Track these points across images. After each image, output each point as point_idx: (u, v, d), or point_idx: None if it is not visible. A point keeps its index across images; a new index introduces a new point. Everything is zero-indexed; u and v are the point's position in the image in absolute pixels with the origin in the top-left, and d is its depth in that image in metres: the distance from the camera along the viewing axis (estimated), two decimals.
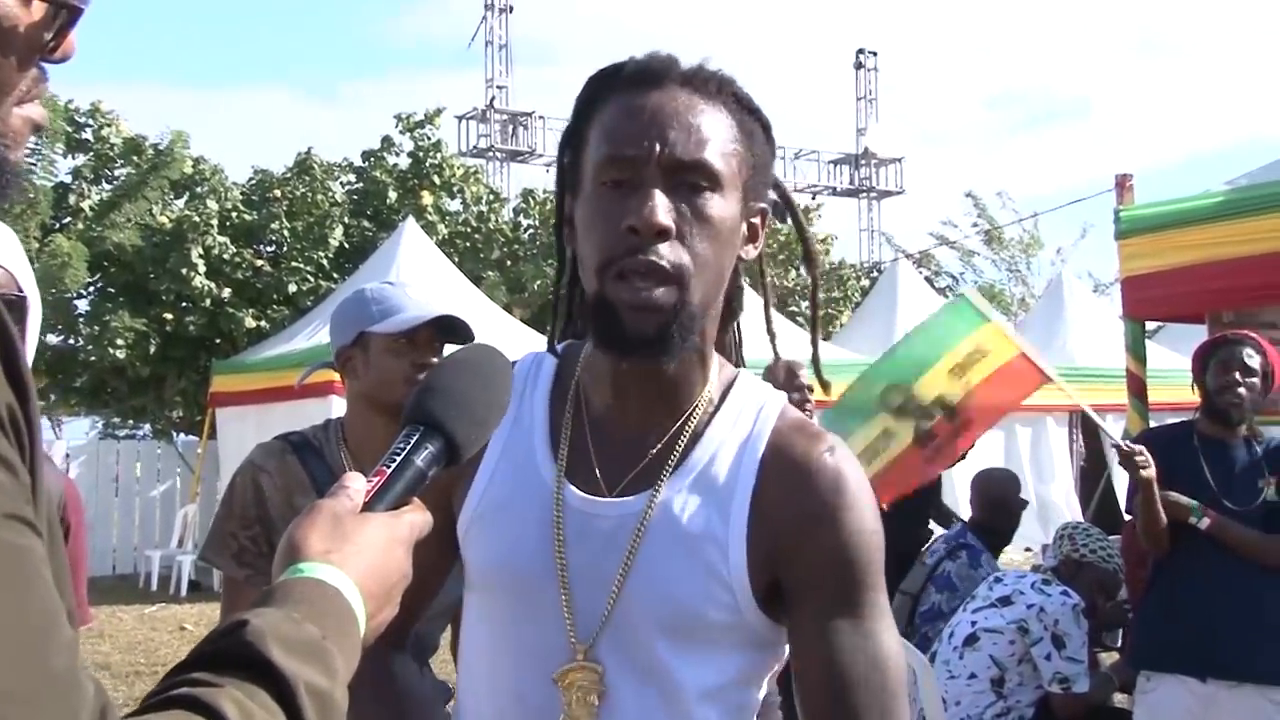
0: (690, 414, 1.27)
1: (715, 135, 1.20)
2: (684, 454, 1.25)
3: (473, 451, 1.04)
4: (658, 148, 1.17)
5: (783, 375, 4.80)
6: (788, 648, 1.27)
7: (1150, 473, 3.57)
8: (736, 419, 1.28)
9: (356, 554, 0.88)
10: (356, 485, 0.95)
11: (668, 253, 1.16)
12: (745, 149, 1.24)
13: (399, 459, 0.98)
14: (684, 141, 1.18)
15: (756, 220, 1.28)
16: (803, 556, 1.21)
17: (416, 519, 0.97)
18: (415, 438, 0.99)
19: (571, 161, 1.27)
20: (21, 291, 1.71)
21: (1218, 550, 3.57)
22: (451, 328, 2.28)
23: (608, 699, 1.21)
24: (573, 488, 1.25)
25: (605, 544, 1.23)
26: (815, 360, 1.42)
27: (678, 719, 1.22)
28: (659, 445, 1.26)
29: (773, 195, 1.34)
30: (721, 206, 1.19)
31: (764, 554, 1.22)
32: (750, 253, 1.29)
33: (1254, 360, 3.66)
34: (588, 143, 1.24)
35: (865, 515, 1.23)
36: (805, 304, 21.85)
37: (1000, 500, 5.01)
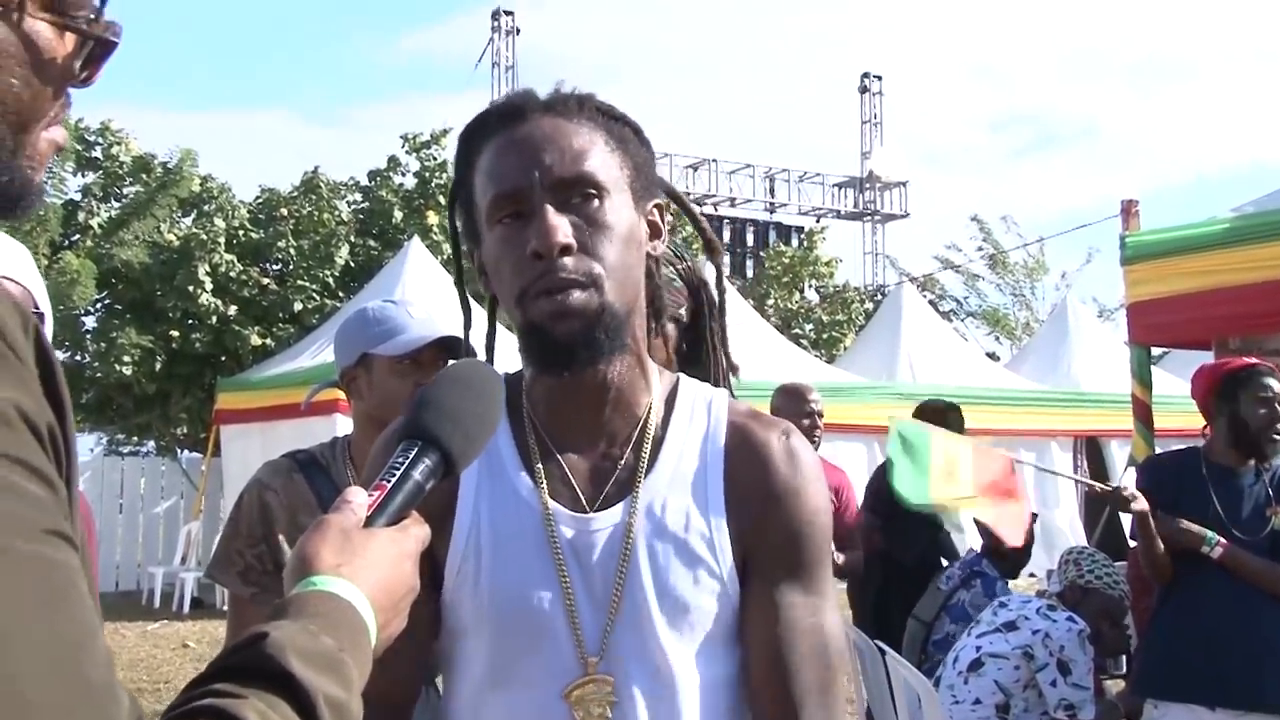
0: (645, 419, 1.32)
1: (588, 147, 1.25)
2: (652, 457, 1.30)
3: (467, 464, 1.07)
4: (537, 174, 1.23)
5: (792, 400, 4.81)
6: None
7: (1141, 505, 3.58)
8: (691, 416, 1.34)
9: (366, 568, 0.91)
10: (359, 500, 0.97)
11: (575, 265, 1.21)
12: (621, 153, 1.29)
13: (397, 474, 1.00)
14: (560, 160, 1.23)
15: (654, 217, 1.34)
16: (764, 533, 1.28)
17: (420, 532, 1.00)
18: (412, 452, 1.02)
19: (466, 218, 1.33)
20: (38, 308, 1.73)
21: (1225, 578, 3.56)
22: (454, 347, 2.28)
23: (619, 707, 1.24)
24: (560, 508, 1.28)
25: (600, 557, 1.26)
26: (718, 347, 1.59)
27: (689, 712, 1.25)
28: (626, 453, 1.30)
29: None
30: (614, 210, 1.25)
31: (739, 537, 1.28)
32: (659, 248, 1.34)
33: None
34: (475, 194, 1.29)
35: (820, 496, 1.32)
36: (809, 326, 21.98)
37: None
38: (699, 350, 1.86)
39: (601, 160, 1.26)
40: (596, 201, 1.24)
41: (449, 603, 1.30)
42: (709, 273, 1.89)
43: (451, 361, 2.28)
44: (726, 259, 23.84)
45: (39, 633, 0.62)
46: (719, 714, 1.28)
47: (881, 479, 5.96)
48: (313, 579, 0.88)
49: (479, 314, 1.48)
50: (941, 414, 5.86)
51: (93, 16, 0.80)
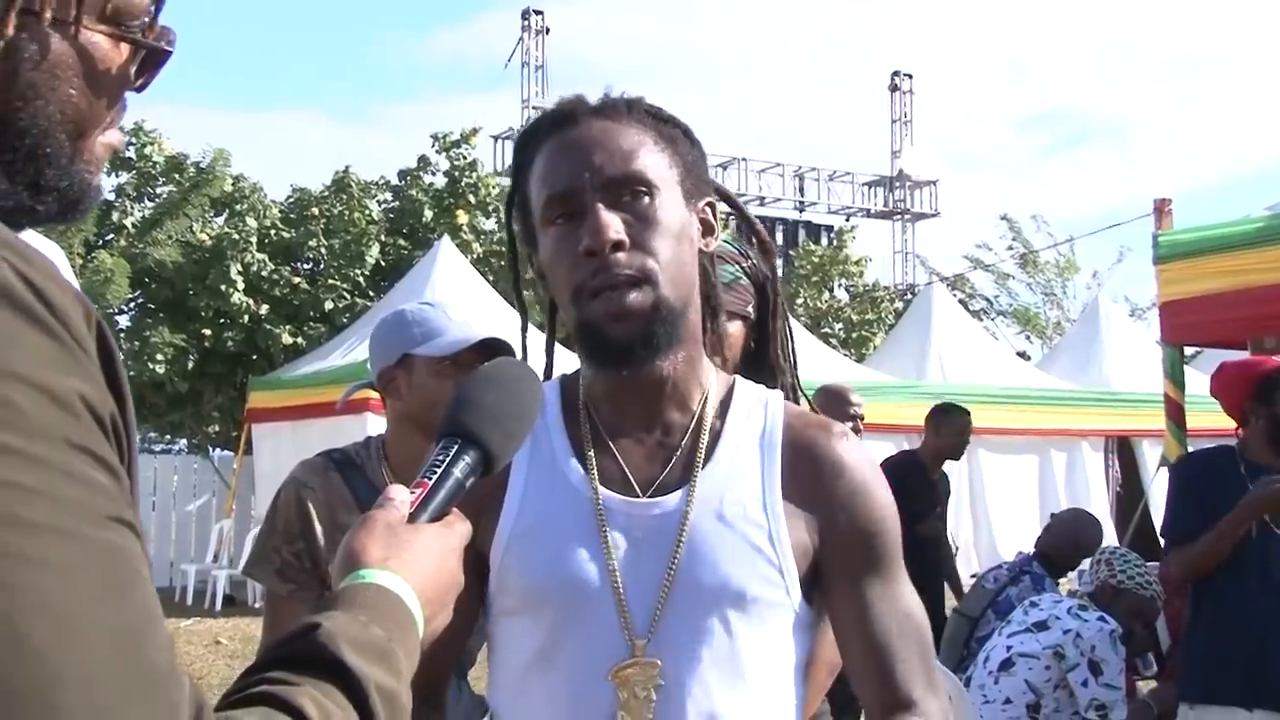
0: (700, 412, 1.34)
1: (637, 147, 1.29)
2: (709, 450, 1.33)
3: (506, 461, 1.10)
4: (587, 174, 1.26)
5: (835, 401, 4.82)
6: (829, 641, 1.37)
7: None
8: (748, 415, 1.37)
9: (413, 562, 0.93)
10: (401, 497, 0.99)
11: (628, 260, 1.25)
12: (670, 152, 1.32)
13: (439, 471, 1.02)
14: (609, 160, 1.27)
15: (706, 214, 1.37)
16: (838, 535, 1.31)
17: (463, 529, 1.02)
18: (452, 450, 1.03)
19: (523, 223, 1.36)
20: None
21: (1263, 578, 3.53)
22: (495, 349, 2.29)
23: (664, 691, 1.25)
24: (610, 493, 1.30)
25: (651, 541, 1.28)
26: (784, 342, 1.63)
27: (735, 702, 1.27)
28: (683, 443, 1.33)
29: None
30: (664, 207, 1.28)
31: (801, 538, 1.30)
32: (711, 244, 1.38)
33: None
34: (530, 199, 1.33)
35: (885, 492, 1.36)
36: (839, 325, 21.91)
37: (1085, 546, 4.99)
38: (764, 349, 1.86)
39: (651, 159, 1.29)
40: (647, 199, 1.27)
41: (495, 587, 1.33)
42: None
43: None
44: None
45: (107, 618, 0.64)
46: (768, 702, 1.29)
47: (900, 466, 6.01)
48: (361, 572, 0.90)
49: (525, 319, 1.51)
50: (947, 414, 5.99)
51: (147, 23, 0.83)
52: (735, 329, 1.88)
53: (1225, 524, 3.53)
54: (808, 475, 1.32)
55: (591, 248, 1.24)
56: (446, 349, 2.26)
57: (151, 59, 0.85)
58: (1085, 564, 5.00)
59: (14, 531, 0.62)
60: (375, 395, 2.42)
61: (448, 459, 1.03)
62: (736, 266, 1.90)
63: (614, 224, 1.24)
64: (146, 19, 0.83)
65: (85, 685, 0.61)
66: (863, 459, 1.36)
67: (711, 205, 1.38)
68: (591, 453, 1.33)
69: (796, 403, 1.77)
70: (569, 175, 1.27)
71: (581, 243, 1.24)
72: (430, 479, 1.01)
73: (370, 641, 0.81)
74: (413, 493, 0.99)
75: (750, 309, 1.90)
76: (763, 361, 1.84)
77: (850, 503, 1.32)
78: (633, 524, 1.29)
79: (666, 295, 1.26)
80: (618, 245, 1.24)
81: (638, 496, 1.31)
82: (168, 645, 0.68)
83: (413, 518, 0.97)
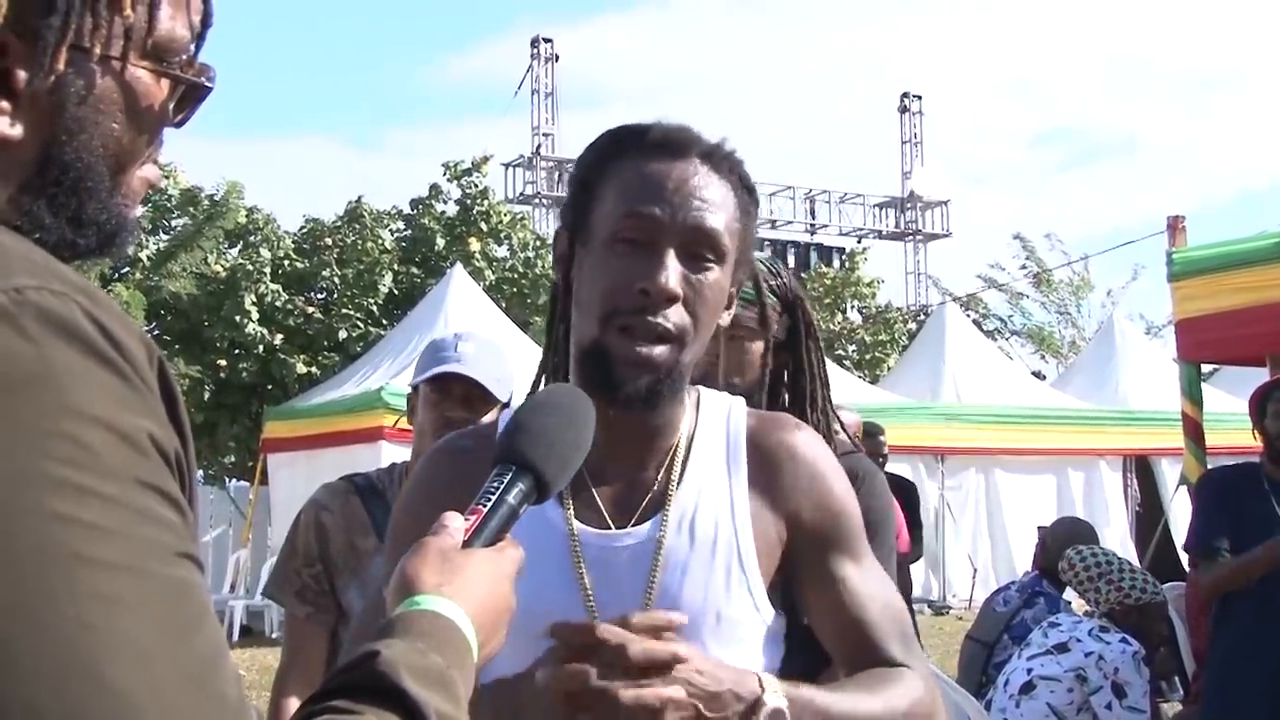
0: (676, 445, 1.35)
1: (725, 211, 1.29)
2: (680, 477, 1.34)
3: (560, 488, 1.10)
4: (677, 215, 1.25)
5: (861, 437, 4.79)
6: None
7: None
8: (712, 429, 1.38)
9: (466, 587, 0.93)
10: (456, 524, 0.99)
11: (673, 316, 1.25)
12: (742, 227, 1.33)
13: (493, 498, 1.02)
14: (701, 212, 1.26)
15: (734, 290, 1.38)
16: (804, 522, 1.34)
17: (515, 554, 1.02)
18: (507, 477, 1.03)
19: (579, 210, 1.33)
20: None
21: None
22: (481, 387, 2.25)
23: None
24: (585, 527, 1.31)
25: (627, 572, 1.29)
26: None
27: None
28: (659, 474, 1.34)
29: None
30: (719, 278, 1.29)
31: (770, 537, 1.33)
32: (725, 319, 1.38)
33: None
34: (599, 197, 1.30)
35: (842, 479, 1.39)
36: (852, 347, 21.90)
37: None
38: (798, 378, 1.90)
39: (729, 227, 1.29)
40: (712, 269, 1.28)
41: None
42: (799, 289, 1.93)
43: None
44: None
45: (181, 654, 0.66)
46: None
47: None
48: (416, 598, 0.91)
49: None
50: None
51: (187, 59, 0.85)
52: (756, 347, 1.87)
53: (1265, 550, 3.50)
54: (771, 471, 1.35)
55: (649, 289, 1.23)
56: (423, 377, 2.27)
57: (191, 95, 0.86)
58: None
59: (91, 571, 0.63)
60: (389, 424, 2.45)
61: (502, 486, 1.03)
62: (765, 285, 1.89)
63: (679, 277, 1.24)
64: (186, 56, 0.84)
65: (165, 718, 0.63)
66: (819, 448, 1.39)
67: (740, 284, 1.38)
68: (568, 485, 1.31)
69: (831, 436, 1.77)
70: (660, 205, 1.25)
71: (640, 278, 1.23)
72: (484, 506, 1.01)
73: (430, 669, 0.82)
74: (467, 520, 1.00)
75: (756, 324, 1.89)
76: (797, 390, 1.89)
77: (810, 488, 1.35)
78: (608, 556, 1.29)
79: (685, 360, 1.28)
80: (672, 299, 1.24)
81: (611, 529, 1.31)
82: (235, 677, 0.70)
83: (467, 544, 0.98)
